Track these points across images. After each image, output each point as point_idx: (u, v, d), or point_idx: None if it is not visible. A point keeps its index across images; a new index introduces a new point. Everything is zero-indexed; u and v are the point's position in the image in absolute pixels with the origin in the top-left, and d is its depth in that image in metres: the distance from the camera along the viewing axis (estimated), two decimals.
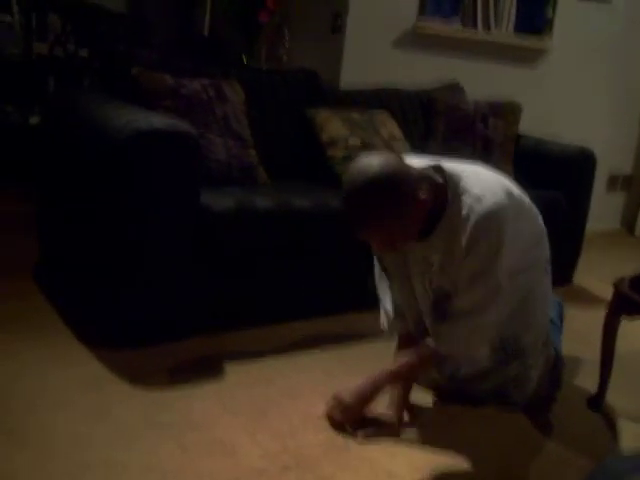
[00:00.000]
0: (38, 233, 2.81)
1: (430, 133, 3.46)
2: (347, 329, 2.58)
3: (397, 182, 1.63)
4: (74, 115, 2.51)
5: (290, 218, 2.47)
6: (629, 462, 1.19)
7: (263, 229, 2.40)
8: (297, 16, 3.89)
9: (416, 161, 1.84)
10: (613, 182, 4.83)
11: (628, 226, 5.00)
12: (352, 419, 1.89)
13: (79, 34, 3.97)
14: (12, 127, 4.03)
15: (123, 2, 4.78)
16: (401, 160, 1.70)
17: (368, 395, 1.90)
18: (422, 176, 1.73)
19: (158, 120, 2.15)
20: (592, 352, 2.31)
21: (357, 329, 2.56)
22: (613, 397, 2.25)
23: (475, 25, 3.89)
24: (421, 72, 3.74)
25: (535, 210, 1.99)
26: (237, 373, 2.15)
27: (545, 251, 2.03)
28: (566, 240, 3.29)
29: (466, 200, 1.75)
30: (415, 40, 3.74)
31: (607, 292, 2.26)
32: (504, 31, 3.97)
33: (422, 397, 2.13)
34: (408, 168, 1.69)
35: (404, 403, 2.01)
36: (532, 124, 3.74)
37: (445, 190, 1.78)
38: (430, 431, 1.97)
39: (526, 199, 1.95)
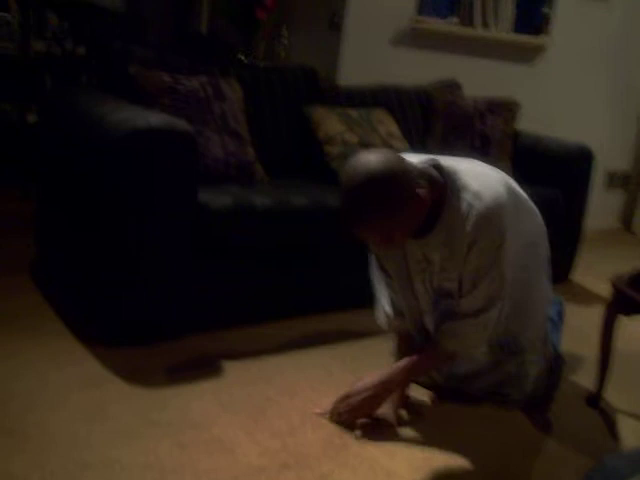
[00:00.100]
0: (35, 231, 2.80)
1: (428, 131, 3.46)
2: (346, 327, 2.58)
3: (395, 179, 1.62)
4: (71, 113, 2.51)
5: (288, 215, 2.47)
6: (627, 460, 1.19)
7: (261, 226, 2.40)
8: (295, 13, 3.88)
9: (414, 158, 1.84)
10: (611, 180, 4.83)
11: (626, 224, 5.00)
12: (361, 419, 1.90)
13: (77, 32, 3.96)
14: (9, 125, 4.02)
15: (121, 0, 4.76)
16: (399, 157, 1.69)
17: (380, 397, 1.89)
18: (420, 173, 1.73)
19: (155, 118, 2.15)
20: (590, 350, 2.31)
21: (356, 327, 2.56)
22: (611, 394, 2.26)
23: (472, 23, 3.88)
24: (419, 69, 3.73)
25: (534, 207, 1.99)
26: (235, 371, 2.15)
27: (544, 249, 2.03)
28: (564, 238, 3.29)
29: (465, 197, 1.75)
30: (413, 37, 3.74)
31: (605, 290, 2.26)
32: (502, 29, 3.97)
33: (420, 395, 2.13)
34: (406, 165, 1.68)
35: (402, 401, 2.01)
36: (530, 121, 3.74)
37: (443, 187, 1.78)
38: (428, 430, 1.97)
39: (525, 195, 1.95)
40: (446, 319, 1.87)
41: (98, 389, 1.94)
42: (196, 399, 1.96)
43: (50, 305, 2.43)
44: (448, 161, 1.83)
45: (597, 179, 4.15)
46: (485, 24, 3.91)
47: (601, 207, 4.63)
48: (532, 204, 1.98)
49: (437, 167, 1.80)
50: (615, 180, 4.87)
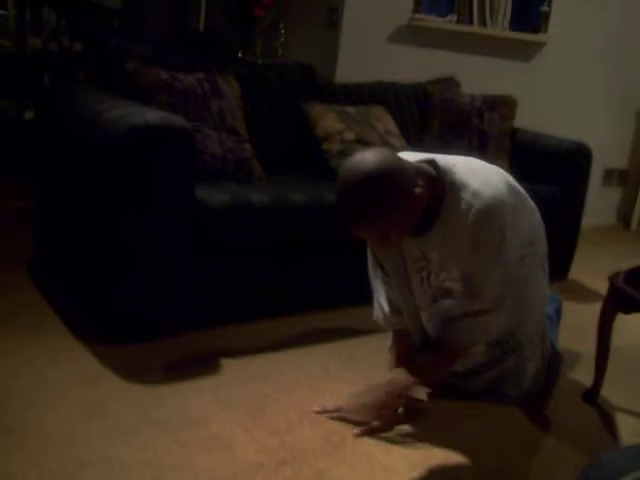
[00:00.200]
0: (33, 228, 2.80)
1: (426, 127, 3.46)
2: (343, 324, 2.58)
3: (392, 178, 1.62)
4: (69, 110, 2.50)
5: (285, 212, 2.47)
6: (624, 457, 1.19)
7: (258, 223, 2.40)
8: (293, 11, 3.88)
9: (411, 156, 1.83)
10: (609, 177, 4.84)
11: (624, 221, 5.01)
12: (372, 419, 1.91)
13: (74, 28, 3.96)
14: (7, 122, 4.01)
15: None
16: (396, 156, 1.69)
17: (397, 399, 1.91)
18: (417, 172, 1.72)
19: (153, 115, 2.14)
20: (588, 346, 2.32)
21: (353, 324, 2.56)
22: (608, 391, 2.26)
23: (471, 22, 3.88)
24: (417, 67, 3.73)
25: (532, 204, 1.99)
26: (233, 369, 2.15)
27: (542, 246, 2.03)
28: (562, 235, 3.29)
29: (464, 195, 1.74)
30: (411, 34, 3.74)
31: (603, 287, 2.26)
32: (500, 25, 3.97)
33: (418, 392, 2.13)
34: (403, 163, 1.68)
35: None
36: (528, 118, 3.74)
37: (441, 185, 1.77)
38: (426, 426, 1.97)
39: (524, 192, 1.95)
40: (457, 317, 1.87)
41: (96, 387, 1.94)
42: (194, 396, 1.96)
43: (48, 303, 2.43)
44: (446, 159, 1.82)
45: (595, 176, 4.15)
46: (483, 22, 3.91)
47: (599, 204, 4.64)
48: (530, 201, 1.99)
49: (434, 165, 1.80)
50: (613, 177, 4.87)
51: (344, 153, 2.84)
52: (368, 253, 2.09)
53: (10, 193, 3.59)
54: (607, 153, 4.58)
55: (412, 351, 2.06)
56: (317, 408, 1.96)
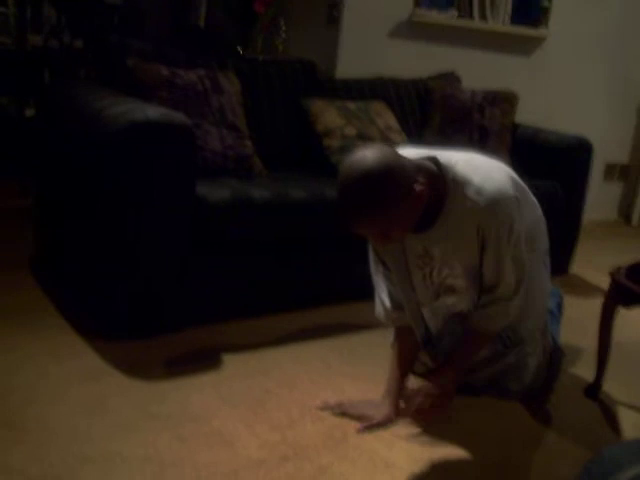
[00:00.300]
0: (34, 225, 2.80)
1: (427, 123, 3.46)
2: (344, 320, 2.58)
3: (392, 176, 1.61)
4: (69, 107, 2.50)
5: (286, 208, 2.47)
6: (626, 451, 1.19)
7: (259, 219, 2.40)
8: (293, 6, 3.87)
9: (411, 152, 1.83)
10: (610, 172, 4.83)
11: (625, 216, 5.00)
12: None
13: (74, 25, 3.95)
14: (7, 119, 4.01)
15: None
16: (396, 153, 1.68)
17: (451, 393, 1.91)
18: (418, 168, 1.72)
19: (153, 111, 2.14)
20: (589, 341, 2.32)
21: (354, 320, 2.56)
22: (610, 386, 2.26)
23: (471, 17, 3.87)
24: (417, 62, 3.72)
25: (534, 199, 1.99)
26: (235, 364, 2.16)
27: (544, 241, 2.02)
28: (563, 230, 3.29)
29: (467, 192, 1.74)
30: (411, 30, 3.73)
31: (604, 281, 2.26)
32: (501, 20, 3.96)
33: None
34: (403, 160, 1.67)
35: (400, 392, 2.01)
36: (529, 113, 3.73)
37: (443, 181, 1.77)
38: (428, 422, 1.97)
39: (526, 187, 1.95)
40: (483, 305, 1.89)
41: (98, 382, 1.95)
42: (195, 392, 1.96)
43: (50, 299, 2.44)
44: (447, 155, 1.82)
45: (596, 171, 4.14)
46: (484, 16, 3.90)
47: (600, 199, 4.64)
48: (532, 196, 1.98)
49: (436, 161, 1.80)
50: (614, 172, 4.86)
51: (345, 149, 2.84)
52: (369, 249, 2.09)
53: (11, 192, 3.59)
54: (608, 148, 4.57)
55: (414, 347, 2.06)
56: (319, 403, 1.96)
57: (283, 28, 3.77)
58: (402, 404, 2.00)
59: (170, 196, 2.17)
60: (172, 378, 2.03)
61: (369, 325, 2.42)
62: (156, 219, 2.16)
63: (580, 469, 1.19)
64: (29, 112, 3.89)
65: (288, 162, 2.97)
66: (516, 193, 1.79)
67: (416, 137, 3.30)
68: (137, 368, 2.04)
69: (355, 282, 2.40)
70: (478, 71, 3.87)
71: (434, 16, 3.76)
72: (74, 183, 2.39)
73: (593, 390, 2.22)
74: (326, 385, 2.07)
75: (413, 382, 2.10)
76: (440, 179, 1.77)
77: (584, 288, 3.34)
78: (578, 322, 2.67)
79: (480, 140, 3.40)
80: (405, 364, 2.04)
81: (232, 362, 2.17)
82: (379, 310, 2.09)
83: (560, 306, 2.43)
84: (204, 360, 2.16)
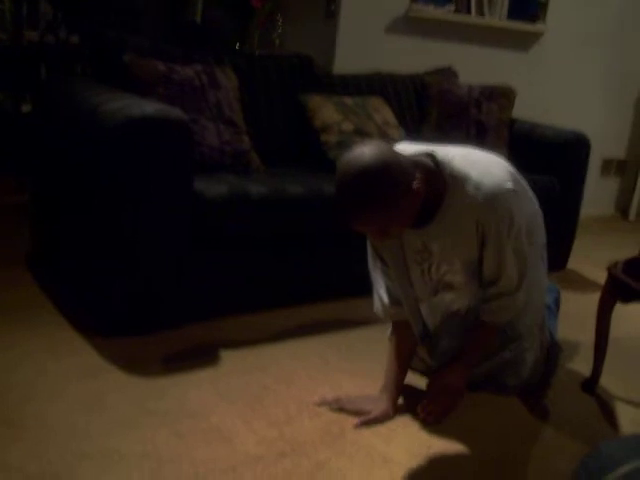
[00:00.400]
0: (30, 221, 2.79)
1: (424, 118, 3.46)
2: (342, 315, 2.58)
3: (389, 173, 1.61)
4: (66, 103, 2.49)
5: (284, 204, 2.47)
6: (623, 446, 1.20)
7: (256, 215, 2.40)
8: (290, 1, 3.86)
9: (409, 148, 1.83)
10: (607, 167, 4.84)
11: (622, 211, 5.01)
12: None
13: (70, 21, 3.94)
14: (3, 115, 4.00)
15: None
16: (393, 150, 1.68)
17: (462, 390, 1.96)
18: (415, 164, 1.72)
19: (150, 107, 2.14)
20: (586, 336, 2.32)
21: (352, 315, 2.56)
22: (607, 381, 2.27)
23: (468, 12, 3.87)
24: (415, 57, 3.72)
25: (532, 194, 1.99)
26: (232, 360, 2.16)
27: (541, 235, 2.03)
28: (560, 225, 3.29)
29: (466, 187, 1.75)
30: (409, 25, 3.72)
31: (601, 277, 2.26)
32: (498, 15, 3.95)
33: (416, 382, 2.14)
34: (401, 157, 1.67)
35: (398, 388, 2.01)
36: (526, 108, 3.73)
37: (440, 177, 1.77)
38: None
39: (524, 182, 1.95)
40: (488, 300, 1.91)
41: (96, 379, 1.95)
42: (193, 388, 1.96)
43: (47, 297, 2.43)
44: (444, 151, 1.82)
45: (593, 166, 4.15)
46: (481, 11, 3.89)
47: (597, 194, 4.64)
48: (530, 191, 1.98)
49: (433, 157, 1.80)
50: (611, 167, 4.87)
51: (342, 144, 2.84)
52: (367, 245, 2.09)
53: (7, 188, 3.58)
54: (605, 143, 4.57)
55: (412, 342, 2.06)
56: (316, 399, 1.96)
57: (280, 23, 3.76)
58: (401, 401, 2.00)
59: (167, 192, 2.16)
60: (170, 374, 2.03)
61: (367, 321, 2.42)
62: (153, 215, 2.16)
63: (577, 464, 1.19)
64: (25, 108, 3.88)
65: (285, 157, 2.96)
66: (514, 187, 1.79)
67: (414, 132, 3.30)
68: (135, 364, 2.04)
69: (353, 278, 2.40)
70: (475, 66, 3.87)
71: (431, 11, 3.75)
72: (71, 179, 2.38)
73: (590, 385, 2.23)
74: (324, 381, 2.07)
75: (411, 378, 2.11)
76: (438, 175, 1.77)
77: (581, 283, 3.34)
78: (575, 317, 2.68)
79: (477, 135, 3.40)
80: (403, 359, 2.04)
81: (230, 358, 2.17)
82: (377, 306, 2.09)
83: (557, 301, 2.43)
84: (202, 356, 2.16)
